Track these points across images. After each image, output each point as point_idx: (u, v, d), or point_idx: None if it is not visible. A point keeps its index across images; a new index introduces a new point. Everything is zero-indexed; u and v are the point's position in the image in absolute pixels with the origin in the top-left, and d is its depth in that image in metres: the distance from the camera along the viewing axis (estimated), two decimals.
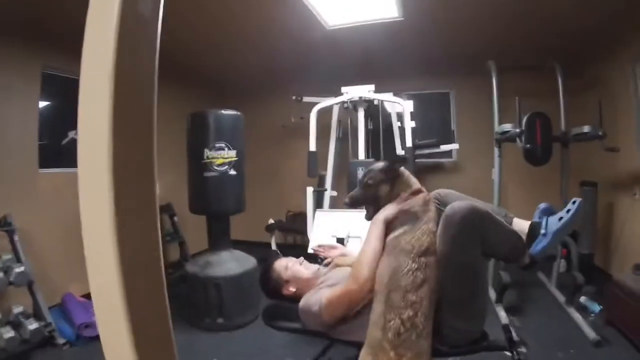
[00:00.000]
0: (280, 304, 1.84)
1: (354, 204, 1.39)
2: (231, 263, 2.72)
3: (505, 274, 2.71)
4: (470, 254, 1.18)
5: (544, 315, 2.90)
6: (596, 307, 2.80)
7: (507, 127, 2.91)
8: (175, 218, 3.69)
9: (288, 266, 1.54)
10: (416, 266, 1.14)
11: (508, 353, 2.25)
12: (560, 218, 1.25)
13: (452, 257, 1.17)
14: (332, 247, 1.73)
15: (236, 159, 2.69)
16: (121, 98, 0.51)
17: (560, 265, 3.19)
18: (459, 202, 1.21)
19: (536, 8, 2.66)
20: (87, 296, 2.60)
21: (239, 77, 4.14)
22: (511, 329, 1.62)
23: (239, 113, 2.77)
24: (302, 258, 1.62)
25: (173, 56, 3.13)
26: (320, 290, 1.34)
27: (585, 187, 3.26)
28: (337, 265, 1.53)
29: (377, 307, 1.17)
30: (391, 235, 1.24)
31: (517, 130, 2.86)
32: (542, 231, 1.26)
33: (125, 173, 0.52)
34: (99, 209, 0.51)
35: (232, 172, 2.69)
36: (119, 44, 0.50)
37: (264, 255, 3.19)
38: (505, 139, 2.94)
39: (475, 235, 1.17)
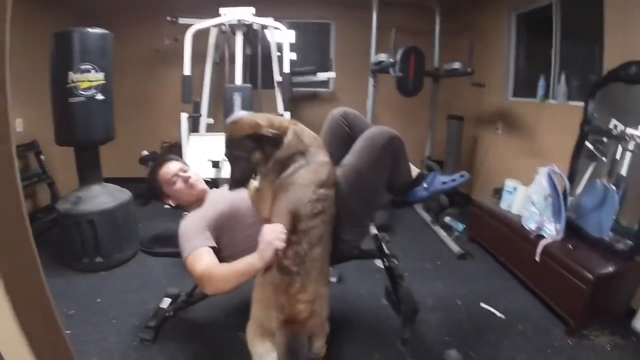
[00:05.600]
0: (158, 234, 1.77)
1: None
2: (104, 197, 2.55)
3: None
4: (380, 175, 1.27)
5: (412, 232, 3.20)
6: (460, 226, 3.16)
7: (382, 57, 3.02)
8: (42, 157, 3.30)
9: (171, 182, 1.46)
10: (316, 197, 1.14)
11: (379, 263, 2.41)
12: (444, 182, 1.38)
13: (364, 173, 1.23)
14: None
15: (104, 82, 2.46)
16: None
17: None
18: (382, 126, 1.28)
19: None
20: None
21: None
22: (380, 238, 1.76)
23: (106, 32, 2.52)
24: (190, 169, 1.52)
25: None
26: (197, 236, 1.29)
27: (451, 120, 3.57)
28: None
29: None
30: (284, 175, 1.18)
31: (392, 60, 2.98)
32: (425, 185, 1.39)
33: None
34: None
35: (100, 96, 2.46)
36: None
37: (140, 191, 3.04)
38: (380, 69, 3.06)
39: (391, 160, 1.26)
